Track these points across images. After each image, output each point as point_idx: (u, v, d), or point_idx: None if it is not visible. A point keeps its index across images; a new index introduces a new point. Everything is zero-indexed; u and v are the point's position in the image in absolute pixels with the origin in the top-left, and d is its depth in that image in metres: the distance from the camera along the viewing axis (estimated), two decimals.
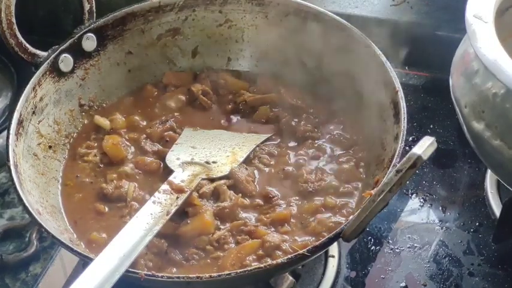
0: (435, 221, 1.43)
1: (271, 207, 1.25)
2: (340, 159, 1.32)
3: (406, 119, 1.21)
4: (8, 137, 1.21)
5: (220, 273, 1.06)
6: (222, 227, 1.22)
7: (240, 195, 1.26)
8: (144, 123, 1.41)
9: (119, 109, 1.43)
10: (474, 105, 1.21)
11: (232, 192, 1.26)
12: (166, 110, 1.42)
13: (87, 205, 1.27)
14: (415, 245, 1.39)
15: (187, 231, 1.20)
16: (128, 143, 1.36)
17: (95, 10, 1.40)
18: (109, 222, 1.24)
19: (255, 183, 1.29)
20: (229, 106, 1.44)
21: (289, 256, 1.08)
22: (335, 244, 1.34)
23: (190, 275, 1.06)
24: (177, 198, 1.21)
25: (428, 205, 1.46)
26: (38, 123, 1.30)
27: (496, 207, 1.42)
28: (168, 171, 1.29)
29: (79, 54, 1.38)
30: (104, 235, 1.21)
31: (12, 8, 1.27)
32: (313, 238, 1.19)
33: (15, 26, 1.28)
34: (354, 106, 1.37)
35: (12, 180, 1.17)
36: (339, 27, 1.38)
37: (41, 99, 1.31)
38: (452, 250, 1.38)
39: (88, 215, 1.25)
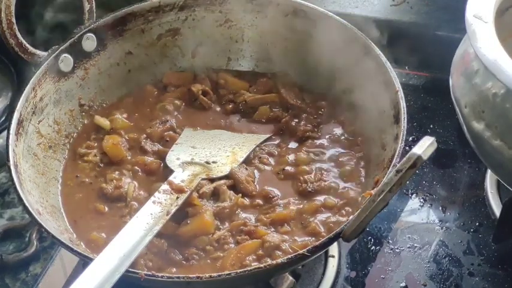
0: (435, 221, 1.43)
1: (271, 207, 1.25)
2: (340, 159, 1.32)
3: (406, 119, 1.21)
4: (8, 137, 1.21)
5: (220, 273, 1.06)
6: (222, 227, 1.22)
7: (240, 195, 1.26)
8: (144, 123, 1.41)
9: (119, 109, 1.43)
10: (474, 105, 1.21)
11: (232, 192, 1.26)
12: (166, 110, 1.42)
13: (87, 205, 1.27)
14: (415, 245, 1.39)
15: (187, 231, 1.20)
16: (127, 143, 1.36)
17: (95, 10, 1.40)
18: (109, 222, 1.24)
19: (255, 183, 1.29)
20: (229, 106, 1.44)
21: (289, 256, 1.08)
22: (335, 244, 1.34)
23: (190, 275, 1.06)
24: (177, 198, 1.21)
25: (428, 205, 1.46)
26: (38, 123, 1.30)
27: (496, 207, 1.42)
28: (168, 171, 1.29)
29: (79, 54, 1.38)
30: (104, 235, 1.21)
31: (12, 8, 1.27)
32: (313, 238, 1.19)
33: (15, 26, 1.28)
34: (354, 106, 1.37)
35: (12, 180, 1.17)
36: (339, 27, 1.38)
37: (41, 99, 1.31)
38: (452, 250, 1.38)
39: (88, 215, 1.25)
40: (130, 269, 1.06)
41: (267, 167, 1.33)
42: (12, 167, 1.18)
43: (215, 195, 1.26)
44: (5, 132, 1.22)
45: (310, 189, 1.27)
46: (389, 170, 1.15)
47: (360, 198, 1.24)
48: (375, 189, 1.06)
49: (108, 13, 1.40)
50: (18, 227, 1.44)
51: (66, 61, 1.36)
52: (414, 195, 1.48)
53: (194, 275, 1.05)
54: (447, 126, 1.59)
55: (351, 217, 1.12)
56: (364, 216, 1.05)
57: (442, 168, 1.52)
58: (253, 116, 1.42)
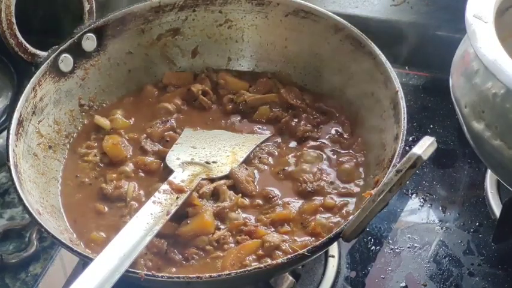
0: (435, 221, 1.43)
1: (271, 207, 1.25)
2: (340, 159, 1.32)
3: (406, 119, 1.21)
4: (8, 137, 1.21)
5: (220, 273, 1.07)
6: (222, 227, 1.22)
7: (240, 195, 1.26)
8: (144, 123, 1.41)
9: (119, 109, 1.43)
10: (474, 105, 1.21)
11: (232, 192, 1.26)
12: (167, 110, 1.42)
13: (87, 205, 1.27)
14: (415, 245, 1.39)
15: (187, 231, 1.20)
16: (127, 143, 1.36)
17: (95, 10, 1.40)
18: (109, 222, 1.24)
19: (255, 183, 1.29)
20: (229, 106, 1.44)
21: (289, 256, 1.08)
22: (335, 244, 1.34)
23: (190, 275, 1.06)
24: (177, 198, 1.21)
25: (428, 205, 1.46)
26: (38, 123, 1.30)
27: (496, 207, 1.42)
28: (168, 171, 1.29)
29: (79, 54, 1.38)
30: (104, 235, 1.21)
31: (12, 8, 1.27)
32: (313, 238, 1.19)
33: (15, 26, 1.28)
34: (354, 106, 1.37)
35: (12, 180, 1.17)
36: (339, 27, 1.38)
37: (41, 99, 1.31)
38: (452, 250, 1.38)
39: (88, 215, 1.25)
40: (130, 269, 1.06)
41: (267, 167, 1.33)
42: (12, 167, 1.18)
43: (215, 195, 1.26)
44: (5, 132, 1.22)
45: (310, 189, 1.27)
46: (390, 170, 1.15)
47: (360, 198, 1.24)
48: (375, 189, 1.07)
49: (108, 13, 1.40)
50: (18, 227, 1.44)
51: (66, 61, 1.35)
52: (414, 195, 1.48)
53: (194, 275, 1.05)
54: (447, 126, 1.59)
55: (351, 217, 1.12)
56: (364, 216, 1.05)
57: (442, 168, 1.52)
58: (253, 116, 1.42)
